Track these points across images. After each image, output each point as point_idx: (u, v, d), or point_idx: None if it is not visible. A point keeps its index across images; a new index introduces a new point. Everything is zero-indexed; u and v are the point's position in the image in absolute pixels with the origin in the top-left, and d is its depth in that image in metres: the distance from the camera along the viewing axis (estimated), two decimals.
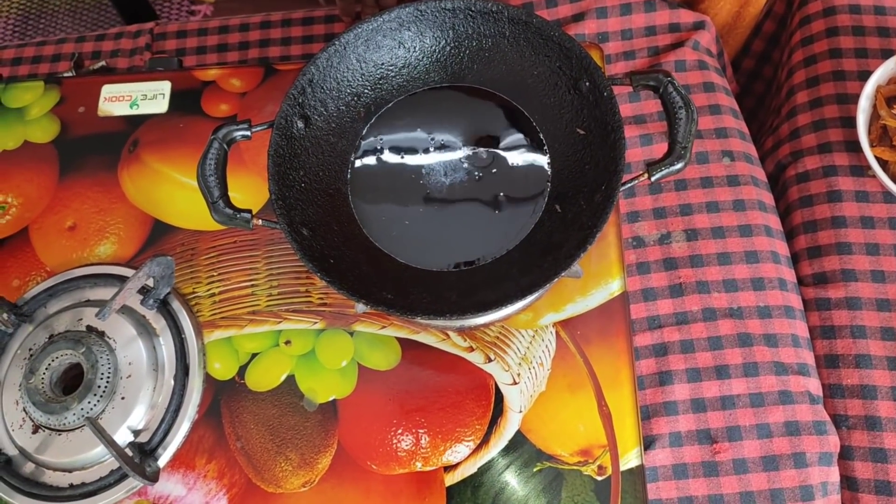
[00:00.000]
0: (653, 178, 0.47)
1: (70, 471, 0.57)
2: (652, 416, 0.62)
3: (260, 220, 0.49)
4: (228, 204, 0.50)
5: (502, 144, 0.53)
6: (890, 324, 0.64)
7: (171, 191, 0.66)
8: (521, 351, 0.57)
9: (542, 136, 0.52)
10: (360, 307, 0.51)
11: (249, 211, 0.50)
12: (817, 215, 0.70)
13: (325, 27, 0.86)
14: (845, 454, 0.63)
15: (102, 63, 0.82)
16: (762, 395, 0.62)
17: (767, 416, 0.61)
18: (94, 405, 0.55)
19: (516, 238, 0.50)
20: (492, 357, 0.57)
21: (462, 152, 0.53)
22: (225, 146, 0.51)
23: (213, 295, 0.62)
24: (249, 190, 0.65)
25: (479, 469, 0.55)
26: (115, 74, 0.82)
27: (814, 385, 0.63)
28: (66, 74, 0.78)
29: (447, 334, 0.58)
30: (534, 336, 0.58)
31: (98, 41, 0.87)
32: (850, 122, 0.71)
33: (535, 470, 0.55)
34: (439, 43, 0.53)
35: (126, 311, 0.60)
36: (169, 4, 1.65)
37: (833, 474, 0.61)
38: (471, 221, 0.51)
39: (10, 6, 1.82)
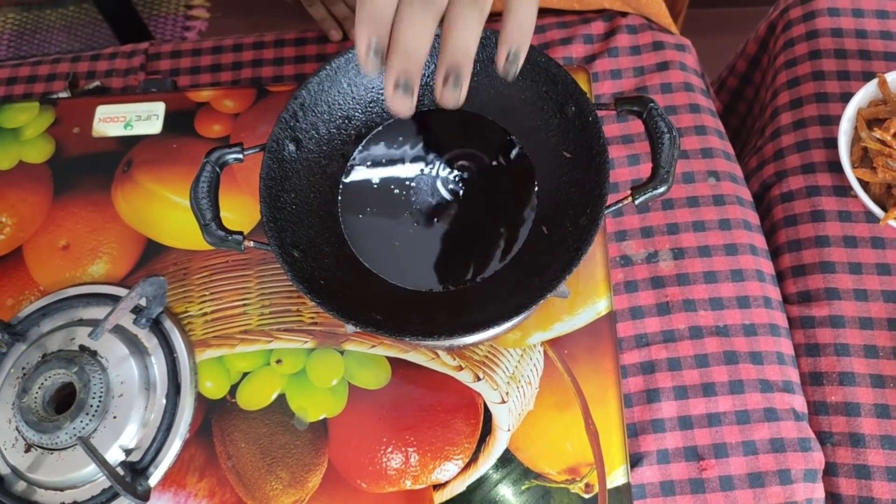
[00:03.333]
0: (637, 202, 0.48)
1: (62, 489, 0.57)
2: (640, 434, 0.62)
3: (251, 242, 0.50)
4: (220, 226, 0.50)
5: (490, 166, 0.54)
6: (872, 342, 0.65)
7: (165, 210, 0.67)
8: (509, 370, 0.58)
9: (529, 158, 0.54)
10: (351, 327, 0.52)
11: (241, 233, 0.50)
12: (801, 234, 0.71)
13: (318, 47, 0.87)
14: (830, 471, 0.63)
15: (97, 83, 0.83)
16: (748, 413, 0.63)
17: (753, 434, 0.62)
18: (87, 424, 0.56)
19: (504, 259, 0.51)
20: (480, 376, 0.58)
21: (450, 174, 0.54)
22: (217, 169, 0.51)
23: (205, 314, 0.62)
24: (242, 210, 0.66)
25: (467, 487, 0.56)
26: (109, 94, 0.83)
27: (799, 402, 0.64)
28: (61, 94, 0.79)
29: (436, 353, 0.59)
30: (522, 355, 0.59)
31: (93, 61, 0.88)
32: (832, 143, 0.72)
33: (523, 488, 0.55)
34: (428, 67, 0.54)
35: (118, 330, 0.60)
36: (164, 22, 1.66)
37: (818, 491, 0.62)
38: (459, 242, 0.52)
39: (4, 22, 1.83)
